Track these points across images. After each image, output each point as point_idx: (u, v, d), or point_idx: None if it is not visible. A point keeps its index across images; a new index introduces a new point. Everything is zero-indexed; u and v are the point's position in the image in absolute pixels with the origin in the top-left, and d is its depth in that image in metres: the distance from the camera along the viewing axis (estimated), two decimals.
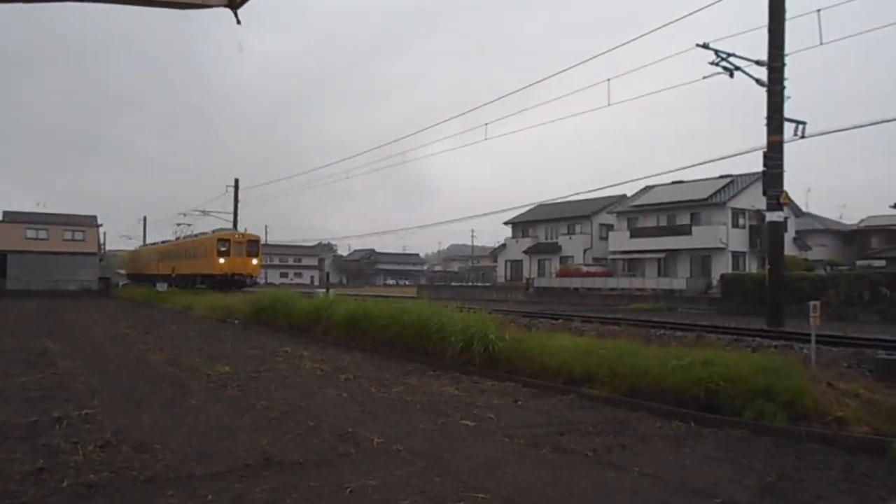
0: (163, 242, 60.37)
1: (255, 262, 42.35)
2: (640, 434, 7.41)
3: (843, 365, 9.26)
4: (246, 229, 44.12)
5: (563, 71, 53.88)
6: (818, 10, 14.22)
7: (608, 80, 19.72)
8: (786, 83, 14.26)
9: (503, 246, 67.90)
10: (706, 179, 47.81)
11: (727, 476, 5.88)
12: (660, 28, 44.21)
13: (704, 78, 15.54)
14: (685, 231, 47.52)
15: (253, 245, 42.86)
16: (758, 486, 5.57)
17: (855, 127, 15.92)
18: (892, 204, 44.25)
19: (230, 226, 53.29)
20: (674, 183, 49.72)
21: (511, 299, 45.47)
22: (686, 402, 8.20)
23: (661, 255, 48.60)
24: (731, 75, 14.82)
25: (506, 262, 65.74)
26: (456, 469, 5.93)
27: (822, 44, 14.27)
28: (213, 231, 45.60)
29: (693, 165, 63.28)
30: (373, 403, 9.00)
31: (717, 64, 15.00)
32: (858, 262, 43.44)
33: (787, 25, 14.53)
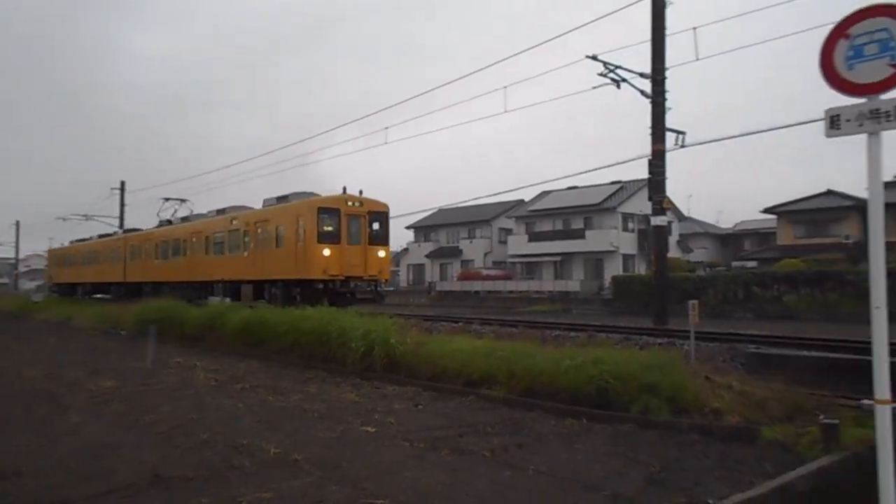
0: (158, 226, 33.54)
1: (382, 254, 21.84)
2: (536, 433, 7.63)
3: (720, 359, 9.96)
4: (362, 192, 21.92)
5: (462, 77, 54.80)
6: (694, 28, 15.30)
7: (505, 87, 20.22)
8: (667, 95, 15.31)
9: (405, 250, 68.00)
10: (599, 185, 50.03)
11: (616, 469, 6.16)
12: (553, 39, 45.96)
13: (594, 88, 16.36)
14: (579, 235, 49.48)
15: (379, 221, 22.02)
16: (643, 478, 5.88)
17: (725, 138, 17.20)
18: (761, 209, 47.98)
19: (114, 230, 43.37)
20: (569, 188, 51.69)
21: (413, 303, 45.60)
22: (579, 399, 8.52)
23: (558, 259, 50.34)
24: (619, 86, 15.67)
25: (408, 266, 65.87)
26: (355, 476, 5.87)
27: (697, 59, 15.36)
28: (290, 195, 23.28)
29: (587, 171, 66.01)
30: (270, 413, 8.75)
31: (605, 75, 15.81)
32: (734, 264, 46.82)
33: (669, 41, 15.58)
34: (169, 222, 32.68)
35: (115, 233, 38.65)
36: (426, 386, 10.44)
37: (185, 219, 31.16)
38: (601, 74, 15.76)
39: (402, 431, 7.64)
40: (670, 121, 15.74)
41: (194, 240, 27.65)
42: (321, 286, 20.18)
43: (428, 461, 6.41)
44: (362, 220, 21.50)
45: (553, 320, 15.47)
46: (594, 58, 15.71)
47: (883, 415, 3.68)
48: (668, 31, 15.44)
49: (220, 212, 27.18)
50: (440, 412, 8.82)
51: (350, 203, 21.42)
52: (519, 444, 7.08)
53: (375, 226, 21.89)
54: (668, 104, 15.39)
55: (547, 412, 8.56)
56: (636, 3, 15.94)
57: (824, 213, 42.90)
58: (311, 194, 22.67)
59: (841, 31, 3.72)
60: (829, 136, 3.76)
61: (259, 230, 23.35)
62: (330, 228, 20.75)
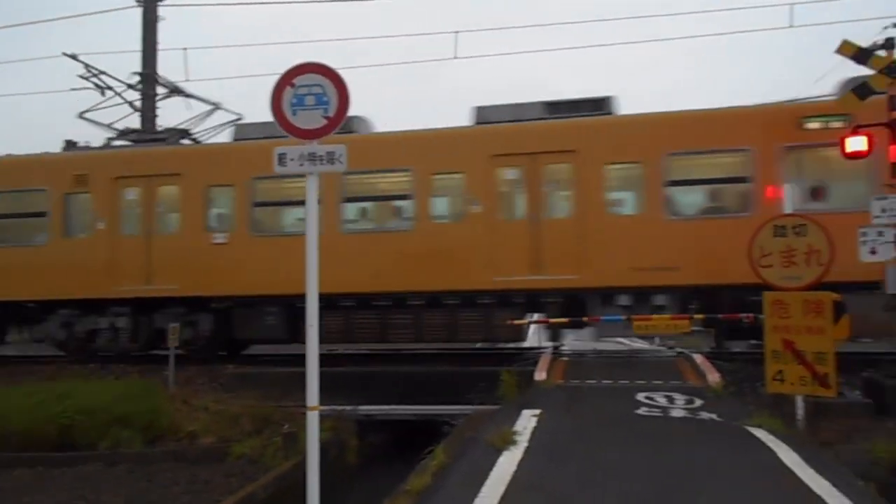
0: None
1: None
2: None
3: (200, 381, 10.02)
4: None
5: None
6: (184, 48, 15.46)
7: None
8: (158, 112, 14.85)
9: None
10: None
11: None
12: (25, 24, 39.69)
13: (73, 90, 14.66)
14: None
15: None
16: None
17: None
18: None
19: None
20: None
21: None
22: (37, 443, 7.42)
23: None
24: (104, 93, 14.41)
25: None
26: None
27: (188, 80, 15.51)
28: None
29: None
30: None
31: (87, 79, 14.36)
32: None
33: (164, 57, 15.24)
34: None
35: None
36: None
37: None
38: (83, 77, 14.26)
39: None
40: None
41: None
42: None
43: None
44: None
45: (14, 353, 13.12)
46: (74, 57, 14.08)
47: (313, 419, 4.22)
48: (161, 47, 15.11)
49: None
50: None
51: None
52: None
53: None
54: (158, 121, 14.94)
55: None
56: (126, 8, 15.19)
57: None
58: None
59: (288, 79, 4.22)
60: (278, 171, 4.19)
61: None
62: None
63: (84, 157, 12.14)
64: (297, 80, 4.19)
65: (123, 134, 13.06)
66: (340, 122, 4.17)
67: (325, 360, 11.10)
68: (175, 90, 14.52)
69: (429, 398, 9.38)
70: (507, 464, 4.79)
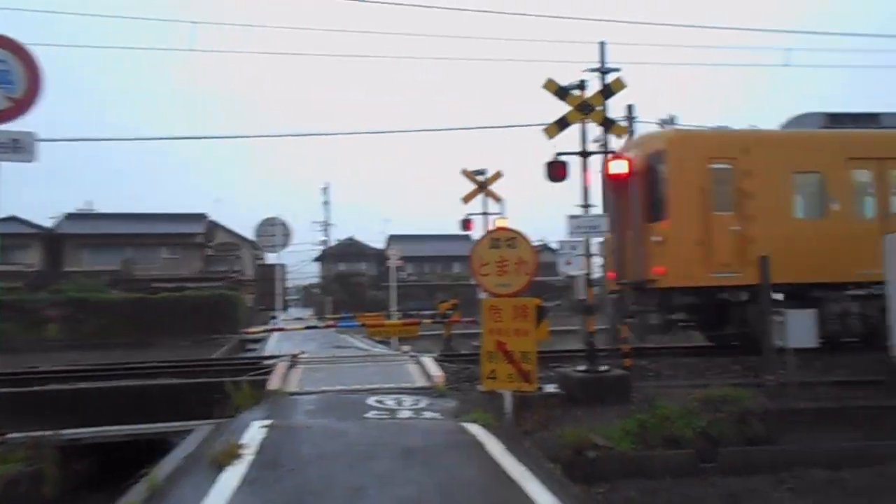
0: None
1: None
2: None
3: None
4: None
5: None
6: None
7: None
8: None
9: None
10: None
11: None
12: None
13: None
14: None
15: None
16: None
17: None
18: None
19: None
20: None
21: None
22: None
23: None
24: None
25: None
26: None
27: None
28: None
29: None
30: None
31: None
32: None
33: None
34: None
35: None
36: None
37: None
38: None
39: None
40: None
41: None
42: None
43: None
44: None
45: None
46: None
47: None
48: None
49: None
50: None
51: None
52: None
53: None
54: None
55: None
56: None
57: (10, 238, 41.12)
58: None
59: None
60: None
61: None
62: None
63: None
64: None
65: None
66: (30, 104, 3.60)
67: (24, 379, 9.60)
68: None
69: (153, 416, 8.59)
70: (228, 481, 4.57)
